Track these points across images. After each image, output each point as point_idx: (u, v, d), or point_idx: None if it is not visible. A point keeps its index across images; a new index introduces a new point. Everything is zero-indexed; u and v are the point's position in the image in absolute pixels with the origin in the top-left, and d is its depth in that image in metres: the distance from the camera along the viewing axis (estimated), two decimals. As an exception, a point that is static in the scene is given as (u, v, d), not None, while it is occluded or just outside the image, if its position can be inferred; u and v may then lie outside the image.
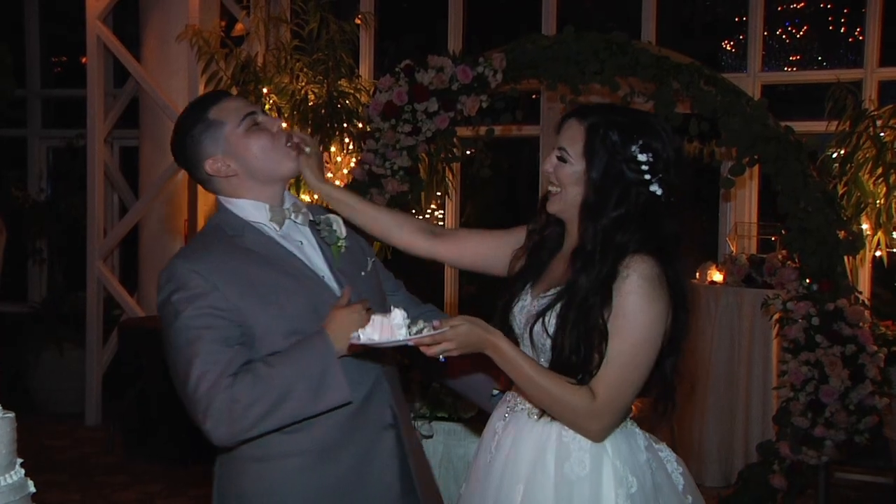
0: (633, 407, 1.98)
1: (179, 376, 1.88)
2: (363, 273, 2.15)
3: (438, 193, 5.47)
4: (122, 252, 7.29)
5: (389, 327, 1.77)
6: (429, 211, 6.86)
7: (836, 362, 4.04)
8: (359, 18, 5.88)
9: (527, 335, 1.96)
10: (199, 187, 6.12)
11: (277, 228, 2.05)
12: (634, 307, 1.83)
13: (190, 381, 1.85)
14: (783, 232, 4.41)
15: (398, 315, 1.78)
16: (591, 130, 1.92)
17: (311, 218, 2.13)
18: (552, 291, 1.96)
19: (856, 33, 6.31)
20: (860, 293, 4.38)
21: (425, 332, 1.77)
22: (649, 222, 1.89)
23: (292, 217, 2.08)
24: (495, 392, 2.17)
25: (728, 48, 6.97)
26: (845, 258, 4.21)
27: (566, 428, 1.91)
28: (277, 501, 1.94)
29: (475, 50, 4.75)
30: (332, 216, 2.16)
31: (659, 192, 1.90)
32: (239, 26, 6.26)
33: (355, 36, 5.72)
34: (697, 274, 5.36)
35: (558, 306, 1.91)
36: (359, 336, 1.77)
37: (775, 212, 4.51)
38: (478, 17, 6.61)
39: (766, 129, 4.21)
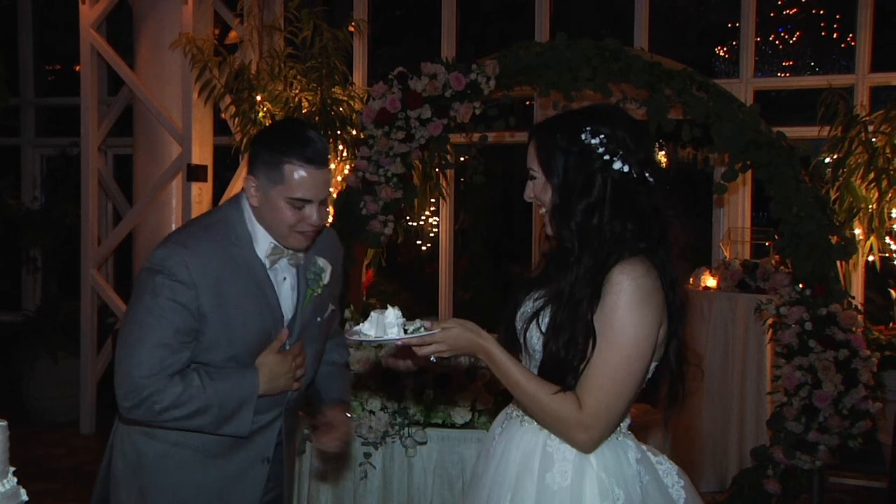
0: (627, 418, 1.95)
1: (125, 344, 2.06)
2: (319, 319, 2.29)
3: (432, 200, 5.49)
4: (117, 260, 7.28)
5: (383, 325, 1.80)
6: (423, 217, 6.88)
7: (830, 367, 4.05)
8: (352, 26, 5.90)
9: (522, 340, 1.97)
10: (194, 195, 6.07)
11: (268, 265, 2.16)
12: (625, 319, 1.79)
13: (131, 360, 2.03)
14: (776, 237, 4.42)
15: (391, 314, 1.81)
16: (539, 139, 1.95)
17: (300, 263, 2.24)
18: (545, 294, 1.96)
19: (848, 39, 6.35)
20: (853, 298, 4.40)
21: (418, 333, 1.80)
22: (622, 201, 1.87)
23: (287, 258, 2.20)
24: (313, 423, 2.31)
25: (721, 54, 7.00)
26: (838, 263, 4.22)
27: (552, 437, 1.90)
28: (150, 475, 2.16)
29: (468, 57, 4.77)
30: (322, 260, 2.27)
31: (625, 168, 1.87)
32: (232, 34, 6.27)
33: (349, 43, 5.73)
34: (691, 279, 5.37)
35: (550, 307, 1.90)
36: (358, 331, 1.83)
37: (768, 217, 4.52)
38: (471, 24, 6.64)
39: (759, 134, 4.23)
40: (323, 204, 2.13)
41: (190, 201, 5.89)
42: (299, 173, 2.06)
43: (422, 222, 7.01)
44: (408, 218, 4.94)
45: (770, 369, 4.71)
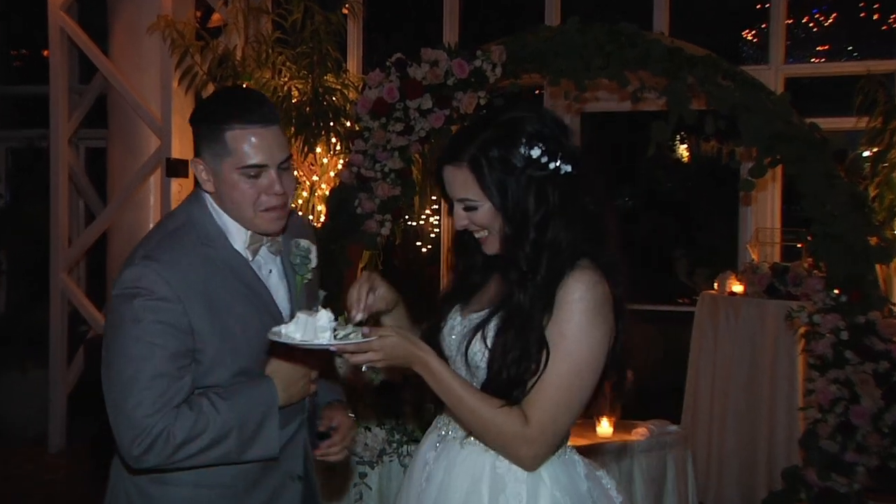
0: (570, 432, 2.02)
1: (117, 385, 1.93)
2: (315, 309, 2.15)
3: (433, 198, 5.50)
4: (89, 263, 7.31)
5: (313, 328, 1.80)
6: (423, 217, 6.90)
7: (868, 380, 4.06)
8: (346, 8, 5.92)
9: (460, 356, 1.99)
10: (174, 191, 6.10)
11: (251, 257, 2.10)
12: (580, 330, 1.86)
13: (128, 401, 1.91)
14: (808, 238, 4.43)
15: (324, 316, 1.81)
16: (474, 164, 1.92)
17: (281, 249, 2.18)
18: (486, 309, 1.99)
19: (889, 20, 6.36)
20: (894, 305, 4.41)
21: (352, 339, 1.81)
22: (573, 204, 1.92)
23: (266, 244, 2.13)
24: (321, 430, 2.22)
25: (748, 38, 7.02)
26: (877, 266, 4.23)
27: (501, 458, 1.94)
28: None
29: (472, 42, 4.79)
30: (306, 242, 2.19)
31: (569, 169, 1.92)
32: (216, 17, 6.29)
33: (342, 27, 5.74)
34: (716, 284, 5.39)
35: (496, 319, 1.94)
36: (280, 332, 1.81)
37: (800, 216, 4.54)
38: (475, 6, 6.66)
39: (789, 126, 4.24)
40: (285, 170, 2.05)
41: (169, 199, 5.91)
42: (244, 136, 1.98)
43: (422, 222, 7.04)
44: (406, 217, 4.96)
45: (802, 383, 4.71)
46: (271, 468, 2.11)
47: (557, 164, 1.91)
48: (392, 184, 4.66)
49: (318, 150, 5.48)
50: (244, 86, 5.38)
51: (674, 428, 4.40)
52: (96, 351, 5.67)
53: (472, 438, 1.99)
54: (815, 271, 4.33)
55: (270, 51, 5.50)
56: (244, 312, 2.03)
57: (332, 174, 5.41)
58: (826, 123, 4.73)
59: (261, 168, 2.01)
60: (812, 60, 6.67)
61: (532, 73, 4.71)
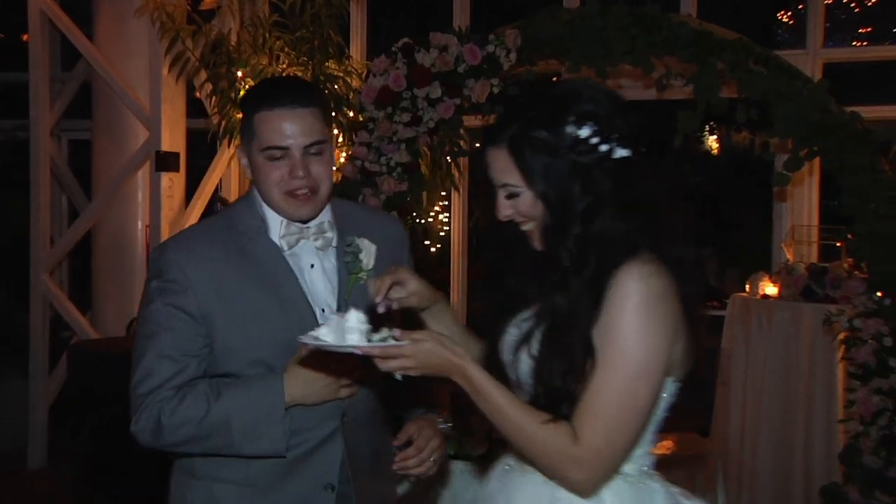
0: (651, 452, 1.92)
1: (132, 361, 2.14)
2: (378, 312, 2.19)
3: (443, 193, 5.52)
4: (73, 264, 7.35)
5: (342, 330, 1.79)
6: (431, 215, 6.92)
7: (913, 390, 4.07)
8: (349, -11, 5.94)
9: (514, 370, 1.94)
10: (164, 187, 6.13)
11: (286, 248, 2.20)
12: (630, 331, 1.75)
13: (133, 377, 2.12)
14: (849, 237, 4.44)
15: (353, 317, 1.80)
16: (513, 145, 1.86)
17: (335, 245, 2.26)
18: (530, 314, 1.93)
19: (937, 1, 6.35)
20: (941, 308, 4.41)
21: (388, 343, 1.79)
22: (628, 193, 1.83)
23: (311, 239, 2.22)
24: (395, 444, 2.19)
25: (783, 20, 7.02)
26: (922, 267, 4.24)
27: (560, 488, 1.86)
28: None
29: (485, 27, 4.81)
30: (365, 241, 2.27)
31: (626, 153, 1.84)
32: (208, -1, 6.32)
33: (345, 10, 5.76)
34: (747, 286, 5.40)
35: (541, 326, 1.87)
36: (315, 336, 1.82)
37: (839, 213, 4.54)
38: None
39: (828, 115, 4.26)
40: (314, 154, 2.16)
41: (159, 194, 5.94)
42: (268, 118, 2.13)
43: (430, 219, 7.06)
44: (414, 215, 4.97)
45: (842, 393, 4.72)
46: (296, 474, 2.17)
47: (611, 146, 1.82)
48: (398, 179, 4.68)
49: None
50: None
51: (702, 441, 4.41)
52: (80, 358, 5.72)
53: (530, 468, 1.92)
54: (856, 272, 4.34)
55: (268, 35, 5.52)
56: (261, 302, 2.14)
57: (334, 168, 5.44)
58: (868, 112, 4.74)
59: (283, 150, 2.13)
60: (853, 44, 6.66)
61: (549, 60, 4.72)
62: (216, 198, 6.23)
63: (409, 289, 2.07)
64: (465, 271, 6.59)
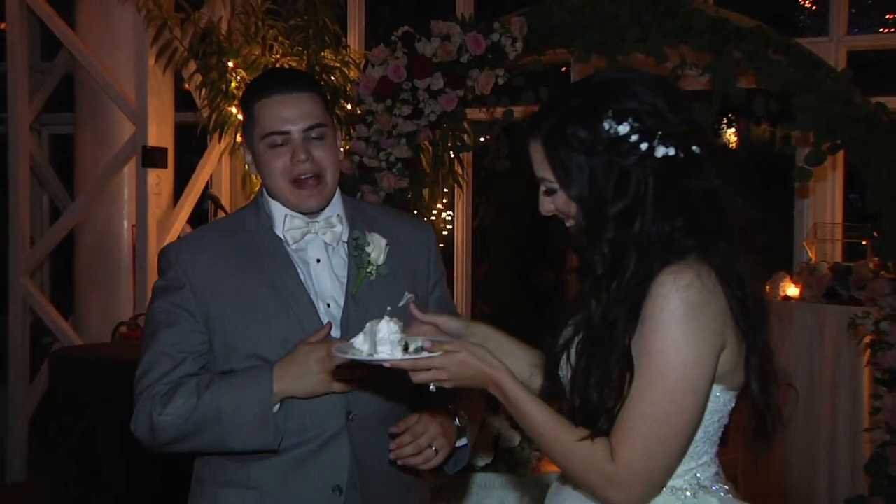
0: (710, 463, 1.90)
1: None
2: (389, 308, 2.17)
3: (445, 190, 5.53)
4: (54, 265, 7.36)
5: (374, 341, 1.84)
6: (434, 212, 6.94)
7: (943, 397, 4.08)
8: (346, -26, 5.96)
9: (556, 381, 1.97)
10: (151, 184, 6.13)
11: (291, 242, 2.26)
12: (670, 340, 1.73)
13: (136, 373, 2.22)
14: (874, 234, 4.45)
15: (384, 327, 1.84)
16: (548, 141, 1.85)
17: (345, 240, 2.31)
18: (576, 319, 1.93)
19: (967, -15, 6.36)
20: (971, 311, 4.42)
21: (414, 355, 1.82)
22: (668, 192, 1.80)
23: (319, 233, 2.28)
24: (392, 430, 2.19)
25: (805, 6, 7.02)
26: (952, 267, 4.25)
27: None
28: None
29: (489, 14, 4.83)
30: (375, 236, 2.31)
31: (671, 151, 1.79)
32: (197, -15, 6.34)
33: (342, -4, 5.80)
34: (768, 287, 5.40)
35: (579, 336, 1.88)
36: (351, 343, 1.88)
37: (864, 210, 4.55)
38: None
39: (852, 106, 4.27)
40: (316, 138, 2.23)
41: (146, 192, 5.96)
42: (267, 105, 2.23)
43: (433, 218, 7.07)
44: (415, 212, 4.98)
45: (868, 400, 4.73)
46: (300, 474, 2.21)
47: (654, 144, 1.79)
48: (399, 175, 4.70)
49: (315, 136, 5.52)
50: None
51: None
52: (62, 366, 5.73)
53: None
54: (883, 272, 4.35)
55: (260, 23, 5.54)
56: (262, 300, 2.21)
57: (340, 157, 5.44)
58: (894, 103, 4.75)
59: (283, 135, 2.21)
60: (881, 31, 6.66)
61: (558, 49, 4.74)
62: (206, 195, 6.24)
63: (447, 330, 2.06)
64: (470, 272, 6.61)
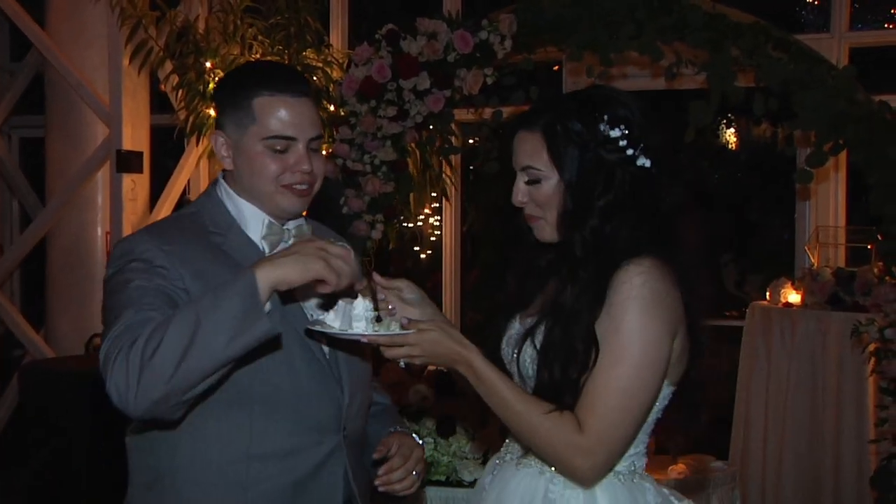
0: (643, 452, 2.15)
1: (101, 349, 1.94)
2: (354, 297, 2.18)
3: (433, 194, 5.54)
4: (25, 274, 7.34)
5: (349, 317, 1.92)
6: (421, 218, 6.94)
7: (951, 407, 4.09)
8: (328, -30, 5.97)
9: (514, 366, 2.16)
10: (126, 189, 6.12)
11: (267, 250, 2.20)
12: (634, 322, 1.98)
13: (104, 337, 1.94)
14: (879, 238, 4.46)
15: (360, 304, 1.94)
16: (548, 131, 2.10)
17: None
18: (534, 310, 2.17)
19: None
20: (980, 317, 4.43)
21: (389, 331, 1.93)
22: (643, 201, 2.08)
23: (290, 241, 2.22)
24: (375, 457, 2.23)
25: (807, 1, 7.05)
26: (960, 272, 4.26)
27: (555, 480, 2.08)
28: None
29: (477, 11, 4.83)
30: (345, 244, 2.21)
31: (647, 163, 2.09)
32: (173, -18, 6.34)
33: (324, -7, 5.80)
34: (768, 293, 5.42)
35: (545, 322, 2.09)
36: (322, 320, 1.94)
37: (868, 213, 4.57)
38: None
39: (855, 105, 4.28)
40: (314, 150, 2.21)
41: (121, 197, 5.95)
42: (273, 105, 2.16)
43: (420, 223, 7.07)
44: (402, 218, 4.99)
45: (873, 410, 4.74)
46: (299, 499, 2.13)
47: (636, 153, 2.07)
48: (384, 178, 4.70)
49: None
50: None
51: (719, 464, 4.43)
52: (33, 380, 5.71)
53: (526, 459, 2.14)
54: (887, 278, 4.36)
55: (239, 22, 5.54)
56: None
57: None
58: (898, 102, 4.76)
59: (289, 141, 2.17)
60: (886, 26, 6.67)
61: (548, 46, 4.75)
62: (184, 201, 6.24)
63: (407, 298, 2.19)
64: (459, 278, 6.61)
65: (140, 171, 6.06)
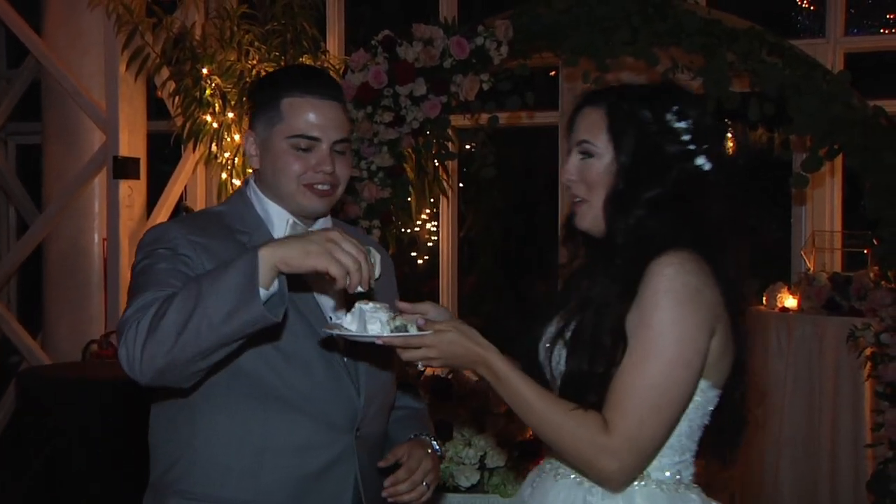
0: (692, 461, 2.05)
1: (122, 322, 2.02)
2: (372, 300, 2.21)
3: (431, 200, 5.54)
4: (21, 281, 7.34)
5: (364, 320, 1.90)
6: (418, 223, 6.94)
7: (947, 411, 4.10)
8: (324, -24, 5.98)
9: (548, 365, 2.09)
10: (123, 196, 6.13)
11: None
12: (664, 316, 1.88)
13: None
14: (875, 242, 4.47)
15: (376, 307, 1.92)
16: (613, 109, 2.05)
17: None
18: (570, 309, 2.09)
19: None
20: (976, 321, 4.44)
21: (407, 332, 1.90)
22: (693, 204, 2.01)
23: None
24: (380, 465, 2.26)
25: (803, 6, 7.05)
26: (955, 276, 4.27)
27: (593, 491, 1.99)
28: None
29: (474, 17, 4.84)
30: (371, 249, 2.21)
31: (707, 166, 2.03)
32: (170, -12, 6.35)
33: (320, 0, 5.81)
34: (764, 298, 5.42)
35: (577, 315, 2.03)
36: (339, 323, 1.94)
37: (864, 217, 4.57)
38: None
39: (850, 110, 4.29)
40: (339, 153, 2.26)
41: (117, 204, 5.95)
42: (300, 105, 2.23)
43: (417, 229, 7.07)
44: (399, 223, 4.99)
45: (870, 415, 4.74)
46: (307, 494, 2.17)
47: (696, 151, 2.03)
48: (380, 184, 4.71)
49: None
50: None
51: (718, 468, 4.43)
52: (30, 386, 5.70)
53: (564, 470, 2.06)
54: (883, 282, 4.37)
55: (236, 28, 5.55)
56: None
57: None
58: (894, 106, 4.77)
59: (312, 141, 2.23)
60: (882, 31, 6.67)
61: (544, 52, 4.76)
62: (181, 207, 6.24)
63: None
64: (456, 284, 6.62)
65: (137, 177, 6.07)
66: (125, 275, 5.96)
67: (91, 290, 6.17)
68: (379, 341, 1.89)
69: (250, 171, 2.41)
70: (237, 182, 5.64)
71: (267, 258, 1.85)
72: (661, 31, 4.41)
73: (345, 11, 6.61)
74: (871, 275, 4.67)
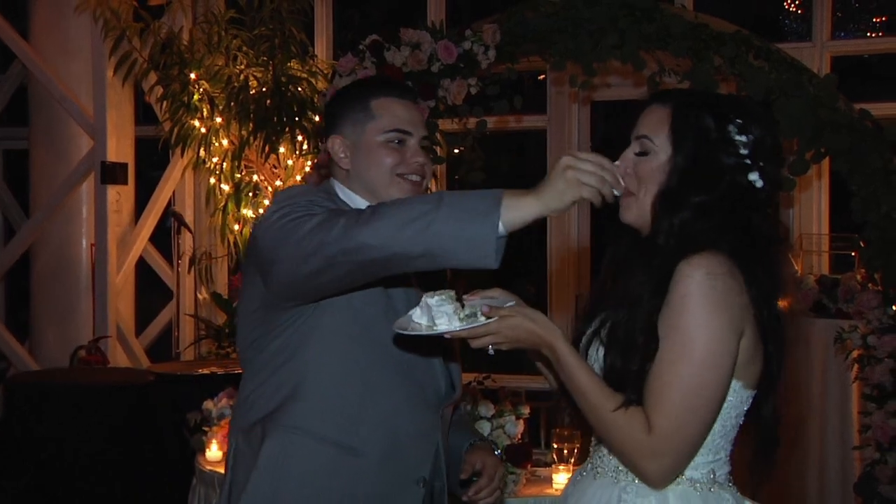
0: (728, 463, 2.10)
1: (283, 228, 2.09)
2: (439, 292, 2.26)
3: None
4: (8, 288, 7.32)
5: (431, 313, 1.98)
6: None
7: (934, 413, 4.11)
8: (312, -18, 5.98)
9: (588, 361, 2.14)
10: (111, 201, 6.13)
11: None
12: (695, 318, 1.93)
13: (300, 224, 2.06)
14: (861, 245, 4.48)
15: (440, 299, 1.99)
16: (679, 111, 2.10)
17: None
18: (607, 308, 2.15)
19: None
20: (963, 323, 4.45)
21: (471, 323, 1.97)
22: (737, 215, 2.04)
23: None
24: (463, 477, 2.40)
25: (789, 9, 7.07)
26: (942, 278, 4.28)
27: (627, 490, 2.05)
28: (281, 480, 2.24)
29: (462, 21, 4.84)
30: None
31: (759, 182, 2.06)
32: (157, -7, 6.34)
33: (308, 5, 5.81)
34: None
35: (613, 311, 2.09)
36: (409, 317, 2.01)
37: (851, 220, 4.59)
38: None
39: (837, 113, 4.29)
40: (424, 149, 2.40)
41: (105, 209, 5.95)
42: (391, 103, 2.38)
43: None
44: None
45: (857, 417, 4.75)
46: (392, 462, 2.27)
47: (752, 166, 2.06)
48: (369, 188, 4.70)
49: (282, 149, 5.53)
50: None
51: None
52: (18, 393, 5.68)
53: (602, 470, 2.12)
54: (870, 284, 4.37)
55: (223, 33, 5.56)
56: (372, 301, 2.24)
57: (298, 178, 5.45)
58: (879, 110, 4.79)
59: (405, 135, 2.36)
60: (868, 35, 6.70)
61: (532, 56, 4.76)
62: (169, 212, 6.23)
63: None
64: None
65: (125, 182, 6.06)
66: (113, 280, 5.95)
67: (79, 295, 6.16)
68: (447, 335, 1.97)
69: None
70: (225, 187, 5.64)
71: (510, 194, 1.92)
72: (648, 35, 4.40)
73: (333, 16, 6.61)
74: (859, 277, 4.68)
